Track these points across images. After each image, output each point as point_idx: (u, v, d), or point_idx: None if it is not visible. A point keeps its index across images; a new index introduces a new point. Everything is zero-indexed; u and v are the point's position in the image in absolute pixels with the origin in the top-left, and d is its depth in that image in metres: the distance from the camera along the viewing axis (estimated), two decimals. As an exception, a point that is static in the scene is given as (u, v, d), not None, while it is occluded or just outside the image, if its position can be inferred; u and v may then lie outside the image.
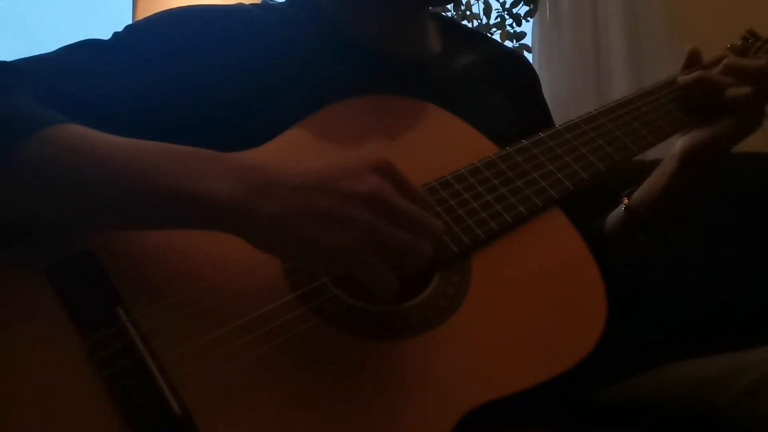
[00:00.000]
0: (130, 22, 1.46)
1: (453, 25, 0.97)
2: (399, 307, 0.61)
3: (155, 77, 0.72)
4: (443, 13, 1.70)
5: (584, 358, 0.59)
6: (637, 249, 0.86)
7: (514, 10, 2.07)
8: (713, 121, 0.83)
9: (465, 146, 0.74)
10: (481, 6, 2.07)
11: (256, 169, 0.56)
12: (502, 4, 2.08)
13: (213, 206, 0.54)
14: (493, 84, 0.90)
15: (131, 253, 0.60)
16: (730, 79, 0.83)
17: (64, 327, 0.55)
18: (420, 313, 0.61)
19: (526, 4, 2.06)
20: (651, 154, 0.92)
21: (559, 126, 0.79)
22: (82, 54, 0.73)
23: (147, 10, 1.51)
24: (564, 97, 2.08)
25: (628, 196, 0.88)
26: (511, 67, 0.95)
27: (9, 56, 0.70)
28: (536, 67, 2.06)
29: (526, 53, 2.10)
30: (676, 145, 0.85)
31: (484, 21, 2.07)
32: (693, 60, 0.90)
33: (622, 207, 0.88)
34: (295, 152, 0.70)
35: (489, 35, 1.98)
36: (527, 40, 2.12)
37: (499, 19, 2.08)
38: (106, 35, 0.76)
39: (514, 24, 2.07)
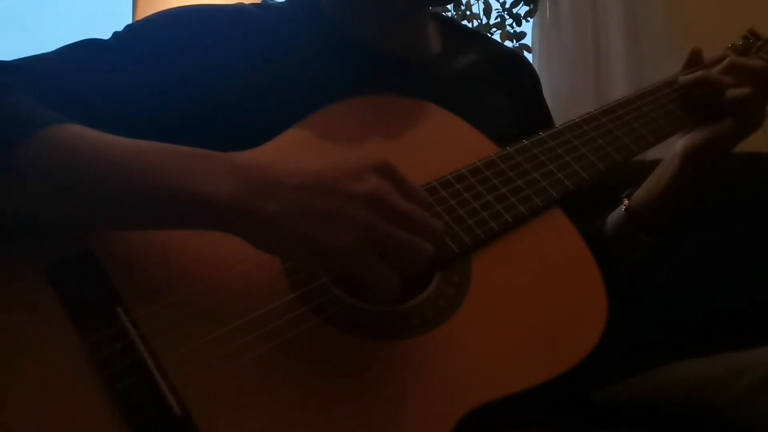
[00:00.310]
0: (130, 22, 1.46)
1: (453, 25, 0.97)
2: (399, 307, 0.61)
3: (155, 77, 0.72)
4: (443, 13, 1.70)
5: (584, 358, 0.59)
6: (637, 250, 0.86)
7: (514, 10, 2.07)
8: (714, 121, 0.83)
9: (465, 146, 0.74)
10: (481, 6, 2.07)
11: (256, 169, 0.56)
12: (502, 4, 2.08)
13: (213, 206, 0.54)
14: (494, 84, 0.90)
15: (131, 253, 0.60)
16: (731, 79, 0.83)
17: (64, 327, 0.55)
18: (420, 313, 0.61)
19: (526, 4, 2.06)
20: (651, 154, 0.92)
21: (560, 126, 0.79)
22: (82, 54, 0.73)
23: (147, 10, 1.51)
24: (564, 97, 2.08)
25: (628, 197, 0.88)
26: (511, 67, 0.95)
27: (9, 56, 0.70)
28: (536, 67, 2.06)
29: (526, 53, 2.10)
30: (677, 145, 0.85)
31: (484, 21, 2.07)
32: (694, 60, 0.90)
33: (622, 208, 0.88)
34: (294, 152, 0.70)
35: (489, 35, 1.98)
36: (527, 40, 2.12)
37: (499, 19, 2.08)
38: (106, 35, 0.76)
39: (514, 24, 2.07)
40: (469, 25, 2.06)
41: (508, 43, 2.06)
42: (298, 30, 0.82)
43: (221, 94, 0.73)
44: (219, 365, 0.54)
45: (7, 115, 0.58)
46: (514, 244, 0.67)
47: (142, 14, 1.56)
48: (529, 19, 2.10)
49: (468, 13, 2.07)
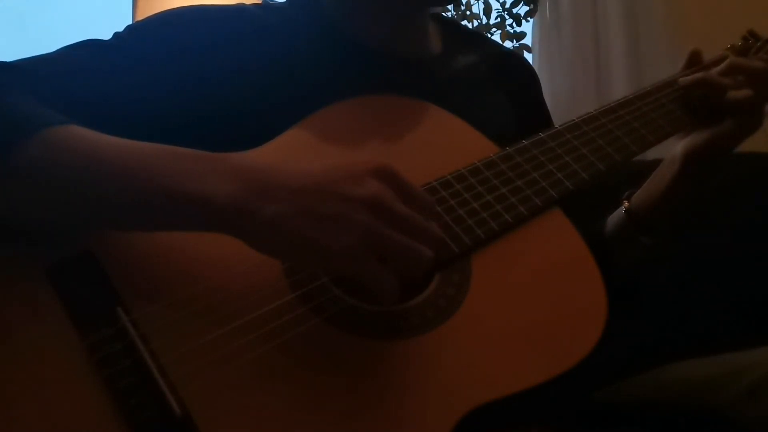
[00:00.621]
0: (130, 22, 1.46)
1: (453, 25, 0.97)
2: (399, 307, 0.61)
3: (156, 77, 0.72)
4: (443, 14, 1.70)
5: (584, 358, 0.59)
6: (637, 251, 0.86)
7: (514, 10, 2.07)
8: (714, 122, 0.83)
9: (465, 146, 0.74)
10: (481, 6, 2.07)
11: (256, 171, 0.56)
12: (502, 4, 2.08)
13: (212, 207, 0.54)
14: (494, 84, 0.90)
15: (131, 253, 0.60)
16: (730, 80, 0.83)
17: (64, 327, 0.55)
18: (420, 313, 0.61)
19: (526, 4, 2.06)
20: (651, 154, 0.92)
21: (559, 126, 0.79)
22: (83, 54, 0.73)
23: (147, 10, 1.51)
24: (564, 97, 2.08)
25: (628, 198, 0.88)
26: (511, 67, 0.95)
27: (9, 56, 0.70)
28: (536, 67, 2.06)
29: (526, 53, 2.10)
30: (677, 147, 0.85)
31: (484, 21, 2.07)
32: (693, 60, 0.90)
33: (622, 209, 0.88)
34: (294, 153, 0.70)
35: (489, 36, 1.98)
36: (527, 40, 2.12)
37: (499, 19, 2.08)
38: (106, 35, 0.76)
39: (514, 24, 2.07)
40: (469, 25, 2.06)
41: (508, 43, 2.06)
42: (299, 30, 0.82)
43: (221, 95, 0.73)
44: (219, 365, 0.54)
45: (7, 116, 0.58)
46: (514, 244, 0.67)
47: (142, 14, 1.56)
48: (529, 19, 2.10)
49: (468, 13, 2.07)
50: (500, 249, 0.67)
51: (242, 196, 0.54)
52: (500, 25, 2.07)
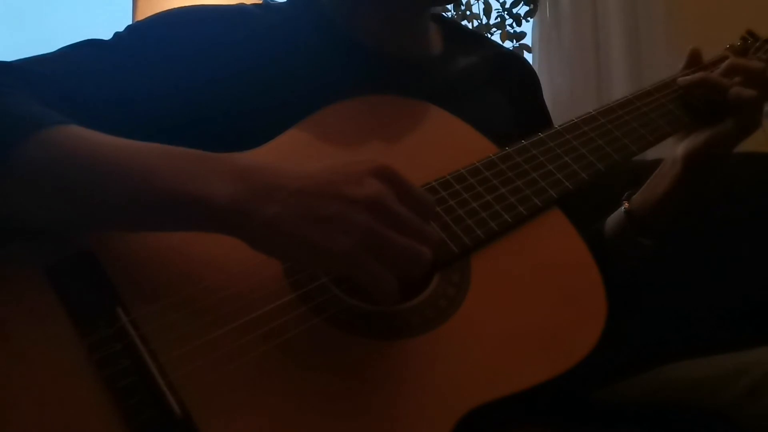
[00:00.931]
0: (130, 22, 1.46)
1: (454, 26, 0.97)
2: (399, 308, 0.61)
3: (156, 77, 0.72)
4: (444, 14, 1.70)
5: (584, 358, 0.59)
6: (637, 252, 0.86)
7: (514, 10, 2.07)
8: (713, 122, 0.83)
9: (465, 146, 0.74)
10: (481, 6, 2.07)
11: (256, 171, 0.56)
12: (502, 4, 2.08)
13: (211, 208, 0.54)
14: (494, 85, 0.90)
15: (131, 253, 0.60)
16: (729, 81, 0.83)
17: (64, 327, 0.55)
18: (420, 313, 0.61)
19: (526, 4, 2.06)
20: (651, 154, 0.92)
21: (559, 126, 0.79)
22: (84, 54, 0.73)
23: (147, 10, 1.51)
24: (564, 97, 2.08)
25: (628, 199, 0.88)
26: (511, 68, 0.95)
27: (9, 56, 0.70)
28: (536, 67, 2.06)
29: (526, 53, 2.10)
30: (678, 149, 0.85)
31: (484, 21, 2.07)
32: (693, 60, 0.90)
33: (621, 210, 0.88)
34: (294, 153, 0.70)
35: (489, 36, 1.98)
36: (527, 40, 2.12)
37: (499, 19, 2.08)
38: (106, 35, 0.76)
39: (514, 24, 2.07)
40: (469, 25, 2.06)
41: (508, 43, 2.06)
42: (299, 30, 0.82)
43: (221, 95, 0.73)
44: (219, 365, 0.54)
45: (7, 116, 0.58)
46: (514, 244, 0.67)
47: (142, 14, 1.56)
48: (529, 19, 2.10)
49: (468, 13, 2.07)
50: (500, 249, 0.67)
51: (242, 197, 0.54)
52: (500, 25, 2.07)
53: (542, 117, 0.97)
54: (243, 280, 0.59)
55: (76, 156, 0.57)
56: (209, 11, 0.80)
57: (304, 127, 0.71)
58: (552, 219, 0.71)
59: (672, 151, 0.86)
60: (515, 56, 1.01)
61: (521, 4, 2.06)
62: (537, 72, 1.02)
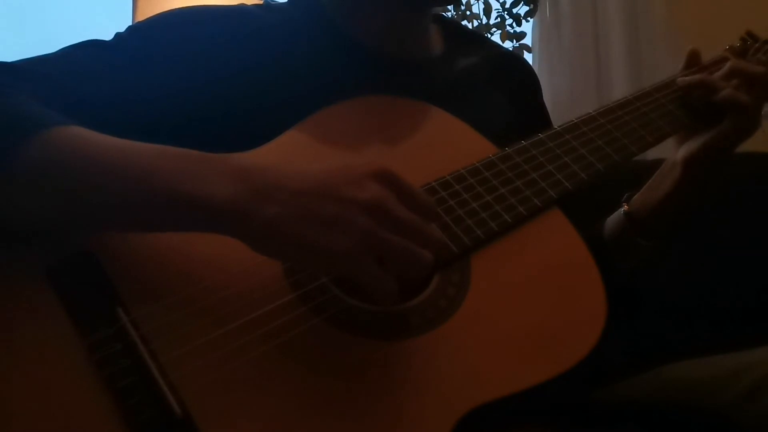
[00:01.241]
0: (130, 22, 1.46)
1: (454, 26, 0.97)
2: (399, 308, 0.61)
3: (157, 78, 0.73)
4: (444, 14, 1.70)
5: (584, 358, 0.59)
6: (637, 253, 0.86)
7: (514, 10, 2.07)
8: (712, 124, 0.83)
9: (465, 147, 0.74)
10: (481, 6, 2.07)
11: (256, 172, 0.56)
12: (502, 4, 2.08)
13: (211, 208, 0.54)
14: (494, 85, 0.90)
15: (131, 253, 0.60)
16: (727, 83, 0.83)
17: (64, 327, 0.55)
18: (420, 314, 0.61)
19: (526, 4, 2.06)
20: (651, 154, 0.92)
21: (559, 126, 0.79)
22: (84, 55, 0.73)
23: (147, 10, 1.51)
24: (564, 97, 2.08)
25: (627, 201, 0.88)
26: (511, 69, 0.95)
27: (9, 56, 0.70)
28: (536, 67, 2.07)
29: (526, 53, 2.10)
30: (677, 153, 0.85)
31: (484, 21, 2.07)
32: (692, 61, 0.90)
33: (621, 212, 0.88)
34: (294, 153, 0.70)
35: (489, 36, 1.98)
36: (527, 40, 2.12)
37: (499, 19, 2.08)
38: (107, 35, 0.76)
39: (514, 24, 2.07)
40: (469, 25, 2.06)
41: (508, 43, 2.06)
42: (300, 31, 0.82)
43: (222, 95, 0.73)
44: (219, 365, 0.54)
45: (7, 117, 0.58)
46: (514, 244, 0.67)
47: (142, 14, 1.56)
48: (529, 19, 2.10)
49: (468, 13, 2.07)
50: (500, 249, 0.67)
51: (242, 198, 0.54)
52: (500, 25, 2.07)
53: (542, 118, 0.97)
54: (243, 280, 0.59)
55: (76, 156, 0.57)
56: (210, 11, 0.81)
57: (304, 128, 0.71)
58: (552, 219, 0.71)
59: (671, 153, 0.86)
60: (515, 57, 1.01)
61: (521, 4, 2.06)
62: (537, 72, 1.02)
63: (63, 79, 0.69)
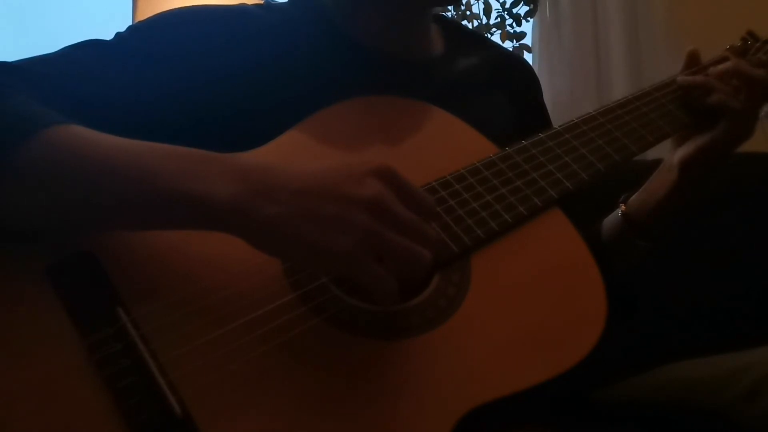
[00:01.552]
0: (130, 22, 1.46)
1: (455, 26, 0.97)
2: (399, 307, 0.61)
3: (157, 78, 0.73)
4: (444, 14, 1.70)
5: (584, 358, 0.59)
6: (635, 254, 0.86)
7: (514, 10, 2.07)
8: (710, 126, 0.83)
9: (465, 147, 0.75)
10: (481, 6, 2.07)
11: (257, 171, 0.56)
12: (502, 4, 2.08)
13: (212, 207, 0.54)
14: (494, 85, 0.90)
15: (131, 253, 0.60)
16: (725, 85, 0.83)
17: (64, 327, 0.55)
18: (420, 313, 0.61)
19: (526, 4, 2.06)
20: (651, 153, 0.92)
21: (559, 126, 0.79)
22: (85, 54, 0.73)
23: (147, 10, 1.51)
24: (564, 97, 2.08)
25: (624, 202, 0.88)
26: (511, 69, 0.95)
27: (9, 56, 0.70)
28: (536, 67, 2.07)
29: (526, 53, 2.10)
30: (674, 156, 0.85)
31: (484, 21, 2.07)
32: (692, 61, 0.90)
33: (618, 212, 0.88)
34: (295, 153, 0.70)
35: (489, 36, 1.98)
36: (527, 40, 2.12)
37: (499, 19, 2.08)
38: (107, 35, 0.76)
39: (514, 24, 2.07)
40: (469, 25, 2.06)
41: (508, 43, 2.06)
42: (300, 31, 0.82)
43: (222, 95, 0.73)
44: (219, 365, 0.54)
45: (7, 116, 0.58)
46: (514, 244, 0.67)
47: (142, 14, 1.56)
48: (529, 19, 2.10)
49: (468, 13, 2.07)
50: (500, 249, 0.67)
51: (243, 196, 0.54)
52: (500, 25, 2.07)
53: (542, 118, 0.97)
54: (243, 279, 0.59)
55: (77, 156, 0.57)
56: (210, 11, 0.81)
57: (304, 128, 0.71)
58: (552, 219, 0.71)
59: (668, 155, 0.86)
60: (515, 57, 1.01)
61: (521, 4, 2.06)
62: (537, 72, 1.02)
63: (63, 79, 0.69)
